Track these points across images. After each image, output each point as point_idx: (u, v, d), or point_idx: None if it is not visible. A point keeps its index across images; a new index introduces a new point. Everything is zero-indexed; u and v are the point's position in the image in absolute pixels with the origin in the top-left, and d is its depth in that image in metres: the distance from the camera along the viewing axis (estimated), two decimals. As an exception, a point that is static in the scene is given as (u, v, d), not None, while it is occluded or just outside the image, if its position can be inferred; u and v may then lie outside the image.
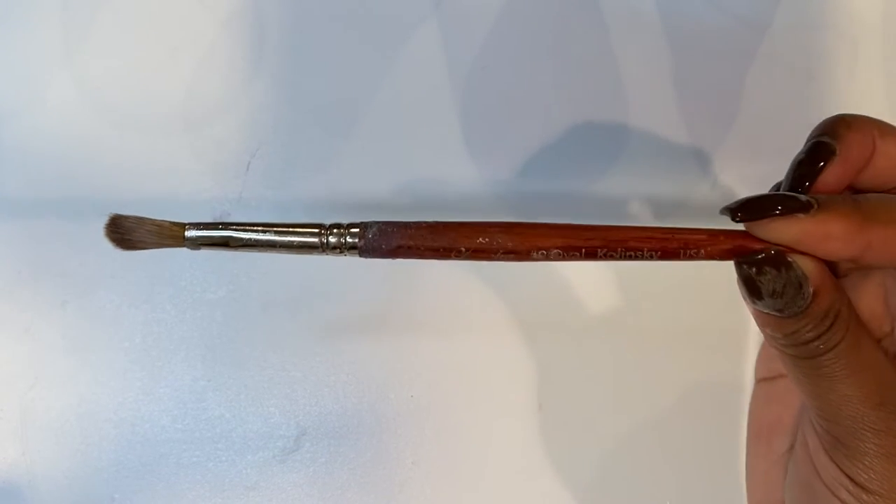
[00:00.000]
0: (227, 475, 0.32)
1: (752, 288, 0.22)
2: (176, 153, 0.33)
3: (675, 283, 0.34)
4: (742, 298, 0.23)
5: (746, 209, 0.22)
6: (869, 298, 0.25)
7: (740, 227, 0.23)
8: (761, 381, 0.29)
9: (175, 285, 0.33)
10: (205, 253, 0.32)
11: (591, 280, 0.34)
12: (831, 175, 0.22)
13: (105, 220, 0.24)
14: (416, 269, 0.33)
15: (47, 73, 0.33)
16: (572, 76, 0.34)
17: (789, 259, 0.22)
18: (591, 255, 0.23)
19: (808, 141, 0.23)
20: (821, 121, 0.23)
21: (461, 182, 0.34)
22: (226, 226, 0.24)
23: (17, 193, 0.33)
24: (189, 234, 0.24)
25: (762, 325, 0.23)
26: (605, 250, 0.23)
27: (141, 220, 0.24)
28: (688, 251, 0.23)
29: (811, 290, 0.21)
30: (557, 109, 0.34)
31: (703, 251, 0.23)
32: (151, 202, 0.33)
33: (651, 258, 0.23)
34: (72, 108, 0.33)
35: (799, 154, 0.23)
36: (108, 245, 0.32)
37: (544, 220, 0.24)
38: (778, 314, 0.22)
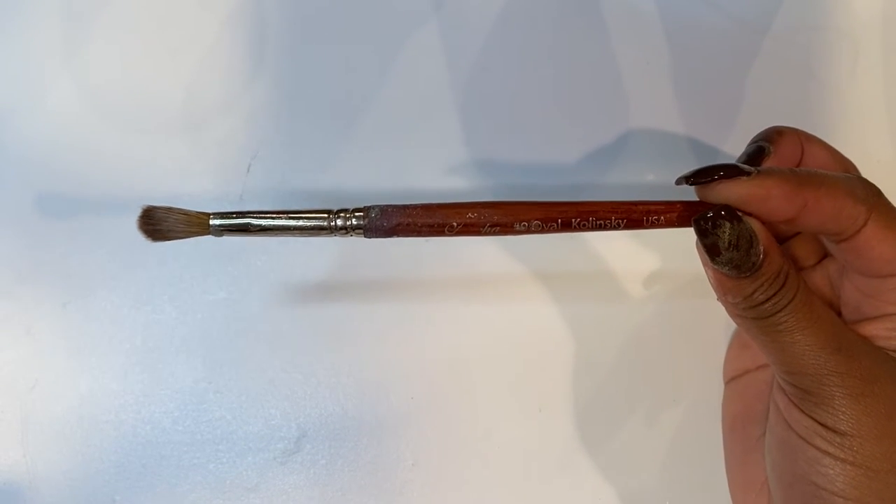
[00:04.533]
0: (227, 477, 0.32)
1: (709, 243, 0.24)
2: (176, 154, 0.33)
3: (674, 286, 0.34)
4: (706, 274, 0.26)
5: (697, 175, 0.25)
6: (819, 288, 0.29)
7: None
8: (730, 381, 0.32)
9: (176, 287, 0.33)
10: (205, 253, 0.32)
11: (590, 283, 0.34)
12: (767, 166, 0.26)
13: (134, 214, 0.26)
14: (417, 272, 0.33)
15: (47, 74, 0.33)
16: (572, 76, 0.34)
17: (739, 213, 0.24)
18: (566, 225, 0.26)
19: (748, 146, 0.28)
20: (763, 129, 0.28)
21: (461, 182, 0.34)
22: (244, 214, 0.26)
23: (17, 194, 0.32)
24: (213, 222, 0.26)
25: (724, 292, 0.25)
26: (578, 220, 0.26)
27: (169, 210, 0.26)
28: (650, 218, 0.26)
29: (762, 247, 0.24)
30: (557, 109, 0.34)
31: (663, 217, 0.26)
32: (152, 203, 0.32)
33: (619, 226, 0.26)
34: (72, 109, 0.33)
35: (741, 156, 0.28)
36: (108, 245, 0.32)
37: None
38: (736, 272, 0.24)
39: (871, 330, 0.26)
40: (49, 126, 0.33)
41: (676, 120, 0.34)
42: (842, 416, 0.24)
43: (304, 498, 0.32)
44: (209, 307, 0.33)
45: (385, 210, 0.26)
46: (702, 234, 0.25)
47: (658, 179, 0.34)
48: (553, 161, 0.34)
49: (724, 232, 0.24)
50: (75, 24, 0.33)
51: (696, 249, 0.25)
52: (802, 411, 0.25)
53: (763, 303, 0.24)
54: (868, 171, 0.30)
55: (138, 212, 0.26)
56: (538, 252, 0.33)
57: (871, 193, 0.25)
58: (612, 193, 0.34)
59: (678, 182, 0.26)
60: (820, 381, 0.24)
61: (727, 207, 0.25)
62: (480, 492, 0.33)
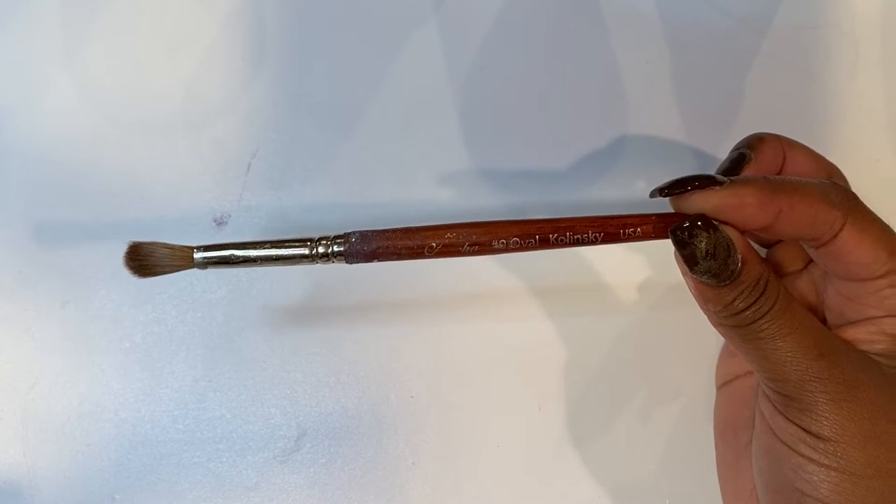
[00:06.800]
0: (227, 476, 0.32)
1: (687, 253, 0.25)
2: (176, 154, 0.33)
3: (670, 290, 0.34)
4: (687, 284, 0.26)
5: (671, 186, 0.25)
6: (804, 293, 0.29)
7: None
8: (721, 387, 0.32)
9: (175, 286, 0.33)
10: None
11: (589, 282, 0.34)
12: (748, 173, 0.27)
13: (122, 248, 0.26)
14: (417, 273, 0.33)
15: (47, 73, 0.33)
16: (572, 76, 0.34)
17: (715, 222, 0.25)
18: (544, 241, 0.26)
19: (730, 153, 0.28)
20: (750, 134, 0.28)
21: (461, 182, 0.34)
22: (226, 246, 0.26)
23: (17, 193, 0.33)
24: (197, 255, 0.26)
25: (704, 301, 0.25)
26: (555, 236, 0.26)
27: (154, 245, 0.26)
28: (626, 231, 0.26)
29: (739, 255, 0.24)
30: (557, 109, 0.34)
31: (639, 230, 0.26)
32: (151, 203, 0.33)
33: (596, 240, 0.26)
34: (72, 109, 0.33)
35: (723, 163, 0.28)
36: (107, 245, 0.32)
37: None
38: (715, 281, 0.24)
39: (854, 334, 0.26)
40: (49, 125, 0.33)
41: (676, 119, 0.34)
42: (825, 422, 0.24)
43: (304, 497, 0.32)
44: (209, 306, 0.33)
45: (365, 235, 0.26)
46: (679, 245, 0.25)
47: (657, 181, 0.34)
48: (552, 160, 0.34)
49: (701, 241, 0.24)
50: (75, 24, 0.33)
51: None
52: (786, 418, 0.25)
53: (744, 311, 0.24)
54: (867, 171, 0.30)
55: (124, 248, 0.26)
56: (536, 259, 0.33)
57: (847, 198, 0.25)
58: (611, 194, 0.34)
59: (652, 195, 0.26)
60: (803, 387, 0.24)
61: (703, 217, 0.25)
62: (480, 491, 0.33)
